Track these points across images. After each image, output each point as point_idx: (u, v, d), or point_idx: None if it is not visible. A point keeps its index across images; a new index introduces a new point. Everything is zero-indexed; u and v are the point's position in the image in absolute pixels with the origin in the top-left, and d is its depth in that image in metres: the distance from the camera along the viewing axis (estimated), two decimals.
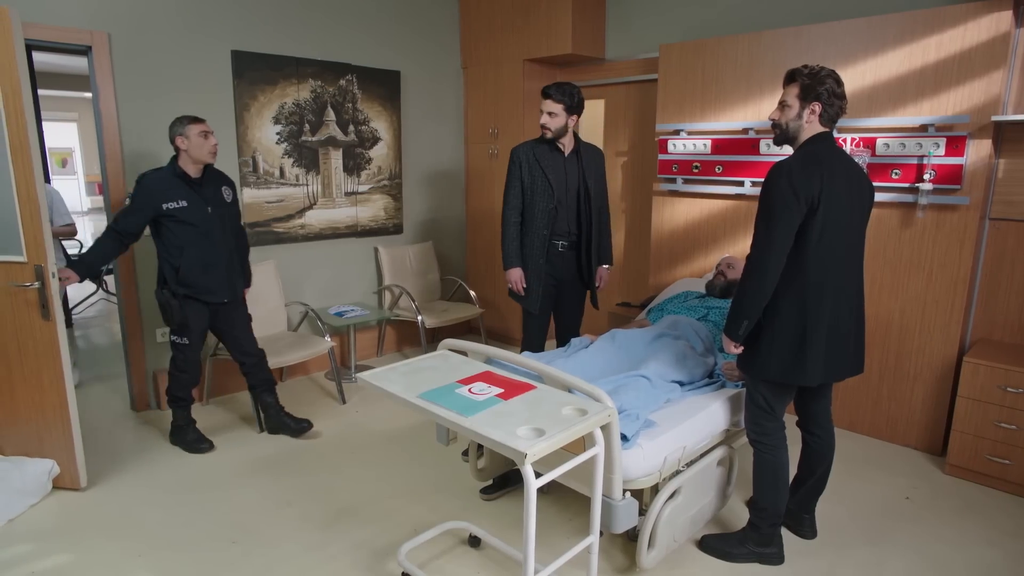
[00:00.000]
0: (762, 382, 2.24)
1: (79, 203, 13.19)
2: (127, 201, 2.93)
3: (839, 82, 2.12)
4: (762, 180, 3.47)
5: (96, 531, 2.52)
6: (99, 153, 3.41)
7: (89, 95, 3.82)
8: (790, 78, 2.17)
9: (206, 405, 3.77)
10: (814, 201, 2.02)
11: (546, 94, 3.02)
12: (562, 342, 3.38)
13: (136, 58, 3.40)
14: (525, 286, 3.19)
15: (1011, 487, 2.84)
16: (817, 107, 2.10)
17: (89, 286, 6.44)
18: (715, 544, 2.40)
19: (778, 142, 2.24)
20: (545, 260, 3.18)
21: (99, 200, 12.03)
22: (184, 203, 2.93)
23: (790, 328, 2.13)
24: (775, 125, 2.22)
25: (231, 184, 3.20)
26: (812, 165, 2.05)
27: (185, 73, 3.58)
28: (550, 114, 3.03)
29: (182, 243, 2.95)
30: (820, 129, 2.14)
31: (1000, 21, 2.77)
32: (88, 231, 11.57)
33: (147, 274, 3.56)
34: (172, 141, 2.92)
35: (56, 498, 2.73)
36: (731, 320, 2.21)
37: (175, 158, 2.96)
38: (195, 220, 2.95)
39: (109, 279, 6.21)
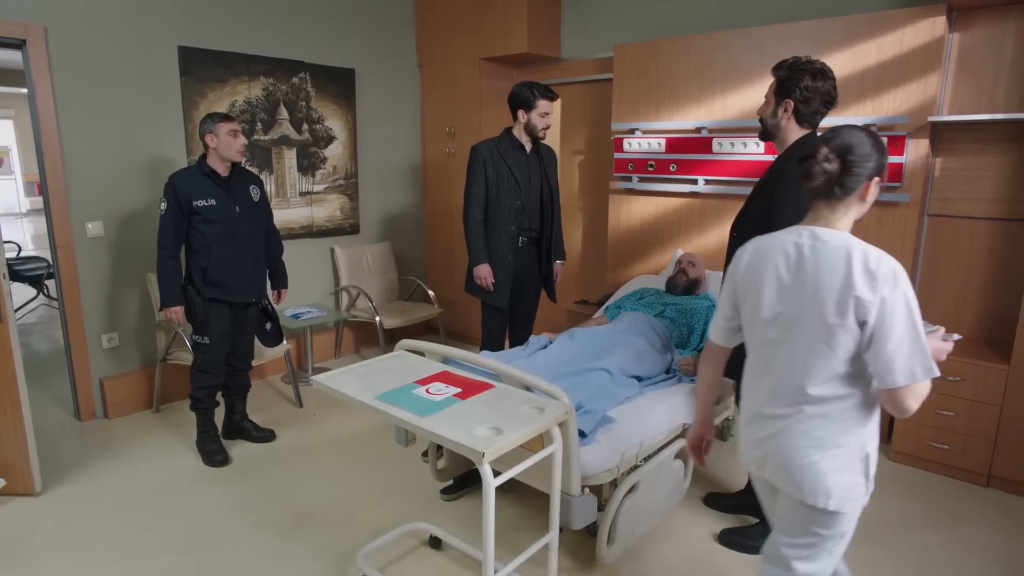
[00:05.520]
0: None
1: (17, 204, 12.65)
2: (161, 207, 2.85)
3: (818, 75, 2.01)
4: (731, 179, 3.60)
5: (38, 547, 2.42)
6: (36, 152, 3.26)
7: (25, 91, 3.64)
8: (773, 71, 2.09)
9: (156, 412, 3.65)
10: None
11: (553, 95, 3.10)
12: (516, 338, 3.41)
13: (75, 53, 3.26)
14: (493, 281, 3.21)
15: (950, 471, 2.97)
16: (790, 104, 2.04)
17: (29, 291, 6.15)
18: (735, 538, 2.42)
19: (761, 137, 2.19)
20: (513, 255, 3.22)
21: (39, 201, 11.53)
22: (213, 201, 2.87)
23: None
24: (760, 119, 2.16)
25: (259, 183, 3.14)
26: None
27: (129, 69, 3.45)
28: (550, 114, 3.14)
29: (209, 242, 2.89)
30: (796, 128, 2.06)
31: (935, 26, 2.89)
32: (28, 233, 11.08)
33: (90, 277, 3.43)
34: (201, 138, 2.88)
35: None
36: None
37: (203, 156, 2.90)
38: (223, 219, 2.90)
39: (51, 283, 5.94)
